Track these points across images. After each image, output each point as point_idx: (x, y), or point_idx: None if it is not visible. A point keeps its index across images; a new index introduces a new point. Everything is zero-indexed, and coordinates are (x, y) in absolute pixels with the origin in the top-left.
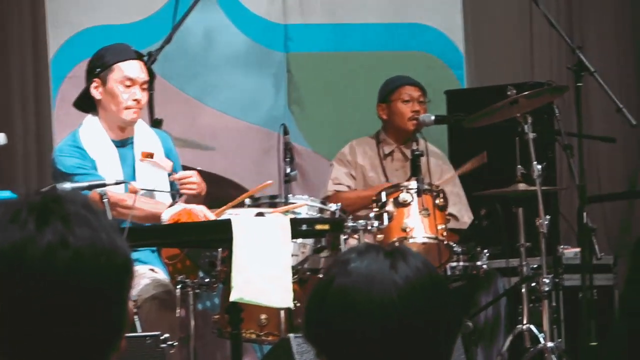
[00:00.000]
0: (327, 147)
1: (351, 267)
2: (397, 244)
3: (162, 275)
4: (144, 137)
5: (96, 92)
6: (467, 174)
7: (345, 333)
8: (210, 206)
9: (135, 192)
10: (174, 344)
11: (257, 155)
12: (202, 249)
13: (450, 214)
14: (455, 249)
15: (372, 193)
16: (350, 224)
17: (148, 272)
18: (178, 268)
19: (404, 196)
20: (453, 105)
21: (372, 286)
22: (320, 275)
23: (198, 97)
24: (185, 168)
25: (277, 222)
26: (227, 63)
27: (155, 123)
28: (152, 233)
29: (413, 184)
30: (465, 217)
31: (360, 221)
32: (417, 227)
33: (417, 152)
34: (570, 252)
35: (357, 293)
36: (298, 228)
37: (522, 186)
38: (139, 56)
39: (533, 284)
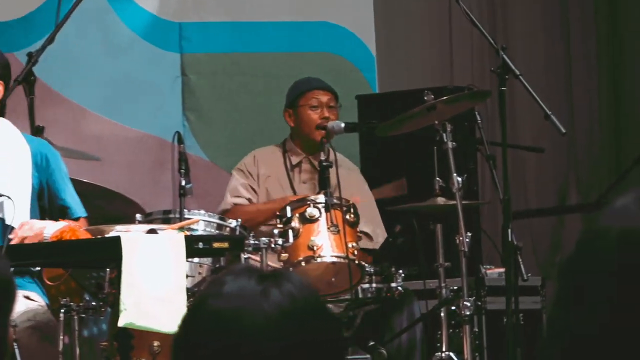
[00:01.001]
0: (226, 158)
1: (225, 289)
2: (303, 263)
3: (40, 302)
4: (4, 142)
5: None
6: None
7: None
8: (95, 223)
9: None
10: None
11: (149, 166)
12: (88, 269)
13: (364, 232)
14: (367, 269)
15: (274, 206)
16: (251, 241)
17: (22, 300)
18: (61, 290)
19: (311, 211)
20: (365, 111)
21: (241, 312)
22: None
23: (83, 102)
24: (71, 181)
25: (171, 239)
26: (114, 64)
27: (36, 131)
28: (32, 252)
29: (321, 197)
30: (379, 237)
31: (263, 239)
32: (326, 245)
33: (325, 163)
34: (494, 272)
35: (228, 318)
36: (194, 246)
37: (440, 200)
38: None
39: (453, 308)
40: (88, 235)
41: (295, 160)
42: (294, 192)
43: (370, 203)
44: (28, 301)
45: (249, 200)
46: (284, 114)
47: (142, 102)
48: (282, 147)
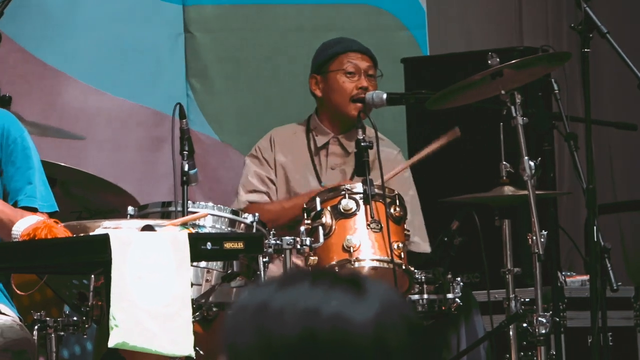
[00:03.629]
0: (240, 136)
1: (328, 312)
2: (337, 268)
3: (11, 316)
4: None
5: None
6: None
7: None
8: (78, 218)
9: None
10: None
11: (144, 147)
12: (68, 276)
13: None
14: (417, 276)
15: (301, 202)
16: (272, 241)
17: None
18: (35, 301)
19: (346, 203)
20: (413, 79)
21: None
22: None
23: (62, 67)
24: (44, 165)
25: (172, 239)
26: (101, 20)
27: (1, 102)
28: None
29: (359, 186)
30: (416, 236)
31: (287, 238)
32: (365, 246)
33: (364, 144)
34: (576, 280)
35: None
36: (201, 247)
37: (508, 190)
38: None
39: (524, 325)
40: (68, 234)
41: (321, 141)
42: (319, 181)
43: (409, 193)
44: None
45: (267, 195)
46: (310, 81)
47: (135, 66)
48: (306, 124)
